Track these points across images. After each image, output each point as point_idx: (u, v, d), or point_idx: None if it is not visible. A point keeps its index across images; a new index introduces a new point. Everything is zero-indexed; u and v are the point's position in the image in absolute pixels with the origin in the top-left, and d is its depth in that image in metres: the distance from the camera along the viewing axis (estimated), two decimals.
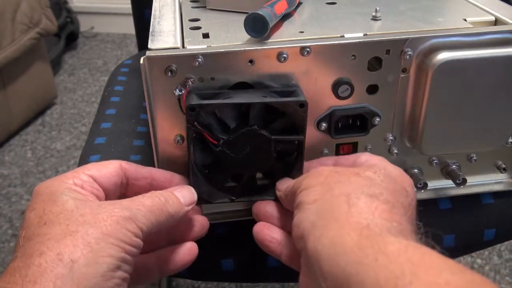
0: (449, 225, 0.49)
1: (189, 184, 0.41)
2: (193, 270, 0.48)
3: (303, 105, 0.38)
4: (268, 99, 0.38)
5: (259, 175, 0.43)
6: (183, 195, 0.38)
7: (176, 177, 0.41)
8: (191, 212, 0.40)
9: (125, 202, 0.34)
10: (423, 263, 0.25)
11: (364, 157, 0.37)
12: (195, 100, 0.37)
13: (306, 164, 0.41)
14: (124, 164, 0.39)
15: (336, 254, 0.27)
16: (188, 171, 0.40)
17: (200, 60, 0.38)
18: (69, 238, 0.30)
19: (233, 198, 0.42)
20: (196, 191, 0.40)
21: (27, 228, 0.32)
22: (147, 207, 0.34)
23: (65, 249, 0.30)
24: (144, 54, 0.37)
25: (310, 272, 0.30)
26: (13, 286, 0.28)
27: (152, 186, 0.40)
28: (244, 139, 0.39)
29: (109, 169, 0.38)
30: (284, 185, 0.39)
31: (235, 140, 0.39)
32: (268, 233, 0.39)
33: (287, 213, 0.40)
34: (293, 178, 0.41)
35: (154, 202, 0.35)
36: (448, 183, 0.47)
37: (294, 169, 0.41)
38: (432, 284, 0.23)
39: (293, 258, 0.37)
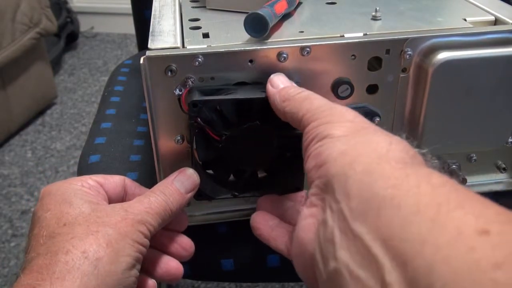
0: None
1: None
2: (193, 270, 0.48)
3: None
4: None
5: (261, 171, 0.43)
6: (182, 183, 0.38)
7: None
8: None
9: (135, 205, 0.35)
10: (468, 195, 0.23)
11: None
12: (197, 96, 0.37)
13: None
14: (127, 180, 0.40)
15: (370, 178, 0.25)
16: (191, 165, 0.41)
17: (200, 60, 0.38)
18: (91, 237, 0.31)
19: (236, 193, 0.42)
20: (199, 188, 0.40)
21: (46, 227, 0.33)
22: (154, 210, 0.35)
23: (90, 247, 0.31)
24: (144, 54, 0.37)
25: (318, 202, 0.29)
26: (41, 283, 0.29)
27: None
28: (247, 134, 0.39)
29: (114, 179, 0.39)
30: (281, 84, 0.37)
31: (237, 135, 0.39)
32: (264, 217, 0.40)
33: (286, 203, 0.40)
34: (294, 174, 0.41)
35: (159, 203, 0.36)
36: None
37: (295, 164, 0.41)
38: (480, 212, 0.22)
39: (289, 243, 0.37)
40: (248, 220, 0.43)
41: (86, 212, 0.33)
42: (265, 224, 0.39)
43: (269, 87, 0.37)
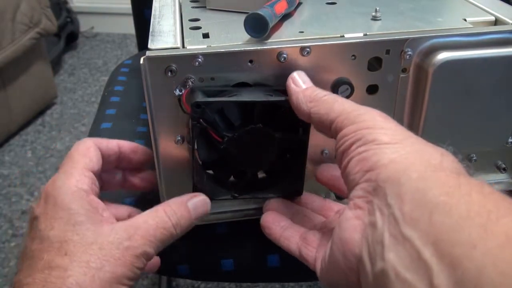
0: None
1: (192, 182, 0.41)
2: (193, 270, 0.48)
3: None
4: (274, 98, 0.38)
5: (261, 173, 0.43)
6: (196, 209, 0.39)
7: (140, 148, 0.44)
8: None
9: (141, 228, 0.35)
10: None
11: None
12: (200, 97, 0.37)
13: None
14: (97, 143, 0.41)
15: (425, 185, 0.26)
16: (191, 169, 0.41)
17: (200, 60, 0.38)
18: (88, 279, 0.32)
19: (236, 195, 0.42)
20: (199, 188, 0.40)
21: (47, 251, 0.33)
22: (159, 237, 0.36)
23: None
24: (144, 54, 0.37)
25: (364, 205, 0.29)
26: None
27: (119, 159, 0.43)
28: (249, 136, 0.39)
29: (96, 155, 0.40)
30: (303, 84, 0.37)
31: (239, 137, 0.39)
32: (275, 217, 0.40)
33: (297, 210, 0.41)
34: (295, 178, 0.41)
35: (167, 229, 0.36)
36: None
37: (295, 167, 0.41)
38: None
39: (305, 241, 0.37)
40: (248, 221, 0.43)
41: (89, 241, 0.34)
42: (277, 224, 0.39)
43: (291, 84, 0.37)
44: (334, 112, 0.33)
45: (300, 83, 0.37)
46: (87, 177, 0.38)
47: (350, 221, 0.30)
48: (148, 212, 0.37)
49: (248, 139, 0.39)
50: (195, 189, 0.40)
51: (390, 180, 0.28)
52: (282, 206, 0.42)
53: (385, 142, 0.30)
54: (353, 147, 0.31)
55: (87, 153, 0.39)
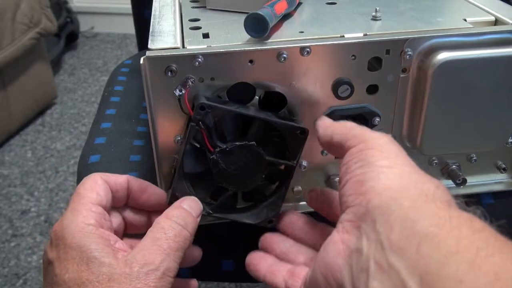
0: None
1: (170, 186, 0.40)
2: (193, 270, 0.48)
3: (304, 132, 0.39)
4: (274, 119, 0.39)
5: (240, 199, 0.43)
6: (191, 207, 0.38)
7: (151, 187, 0.42)
8: None
9: (152, 252, 0.34)
10: (507, 242, 0.25)
11: None
12: (205, 100, 0.38)
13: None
14: (105, 177, 0.39)
15: (415, 215, 0.26)
16: (173, 173, 0.40)
17: (200, 60, 0.38)
18: None
19: (210, 212, 0.41)
20: (176, 196, 0.40)
21: None
22: (174, 246, 0.35)
23: None
24: (144, 54, 0.37)
25: (352, 230, 0.29)
26: None
27: (128, 195, 0.41)
28: (240, 152, 0.39)
29: (104, 190, 0.38)
30: (325, 124, 0.37)
31: (231, 151, 0.39)
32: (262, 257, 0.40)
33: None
34: (273, 207, 0.42)
35: (177, 232, 0.36)
36: (448, 183, 0.47)
37: (276, 196, 0.42)
38: None
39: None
40: None
41: (105, 278, 0.32)
42: (263, 263, 0.40)
43: (317, 120, 0.38)
44: (352, 133, 0.34)
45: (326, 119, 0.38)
46: (95, 212, 0.36)
47: (336, 244, 0.30)
48: (152, 228, 0.36)
49: (238, 155, 0.39)
50: (173, 197, 0.40)
51: (381, 207, 0.28)
52: (276, 240, 0.41)
53: (384, 166, 0.30)
54: (354, 167, 0.31)
55: (94, 188, 0.38)
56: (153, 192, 0.41)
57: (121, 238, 0.38)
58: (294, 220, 0.42)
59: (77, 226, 0.35)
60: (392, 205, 0.27)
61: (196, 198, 0.40)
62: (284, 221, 0.42)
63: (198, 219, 0.39)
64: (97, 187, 0.38)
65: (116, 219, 0.40)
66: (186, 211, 0.38)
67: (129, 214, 0.42)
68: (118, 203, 0.40)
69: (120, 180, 0.40)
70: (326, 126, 0.36)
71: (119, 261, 0.33)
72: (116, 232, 0.38)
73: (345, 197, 0.31)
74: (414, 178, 0.29)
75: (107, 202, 0.38)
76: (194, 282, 0.43)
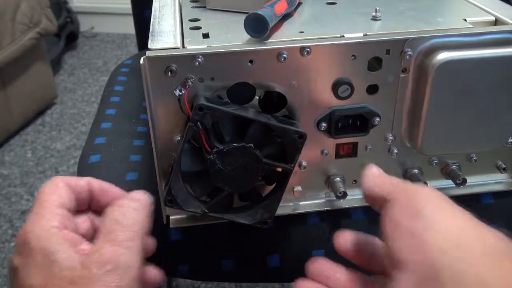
0: None
1: (167, 184, 0.40)
2: (193, 270, 0.48)
3: (302, 136, 0.39)
4: (272, 122, 0.39)
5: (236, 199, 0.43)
6: (139, 197, 0.37)
7: (112, 189, 0.40)
8: None
9: (114, 257, 0.33)
10: None
11: None
12: (204, 101, 0.38)
13: None
14: (66, 180, 0.38)
15: (487, 278, 0.26)
16: (170, 171, 0.40)
17: (200, 60, 0.38)
18: None
19: (206, 211, 0.41)
20: (172, 194, 0.40)
21: None
22: (136, 245, 0.33)
23: None
24: (144, 54, 0.37)
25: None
26: None
27: (90, 197, 0.40)
28: (237, 154, 0.39)
29: (66, 191, 0.37)
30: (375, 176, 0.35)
31: (228, 152, 0.39)
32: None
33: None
34: (268, 208, 0.41)
35: (131, 215, 0.34)
36: (448, 183, 0.47)
37: (271, 198, 0.42)
38: None
39: None
40: None
41: (66, 283, 0.32)
42: None
43: (365, 171, 0.36)
44: (394, 184, 0.33)
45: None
46: (58, 214, 0.35)
47: None
48: (104, 222, 0.35)
49: (235, 156, 0.39)
50: (169, 193, 0.40)
51: (449, 268, 0.27)
52: (322, 270, 0.38)
53: (439, 218, 0.29)
54: (403, 219, 0.30)
55: (55, 191, 0.37)
56: (113, 194, 0.40)
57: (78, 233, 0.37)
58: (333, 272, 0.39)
59: (41, 229, 0.34)
60: (462, 266, 0.27)
61: (143, 191, 0.38)
62: (319, 269, 0.39)
63: (150, 208, 0.37)
64: (58, 189, 0.37)
65: (84, 224, 0.39)
66: (136, 198, 0.36)
67: (98, 219, 0.40)
68: (82, 205, 0.39)
69: (81, 182, 0.39)
70: (374, 177, 0.35)
71: (84, 263, 0.32)
72: (85, 237, 0.37)
73: (398, 253, 0.29)
74: (474, 231, 0.29)
75: (70, 204, 0.37)
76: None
